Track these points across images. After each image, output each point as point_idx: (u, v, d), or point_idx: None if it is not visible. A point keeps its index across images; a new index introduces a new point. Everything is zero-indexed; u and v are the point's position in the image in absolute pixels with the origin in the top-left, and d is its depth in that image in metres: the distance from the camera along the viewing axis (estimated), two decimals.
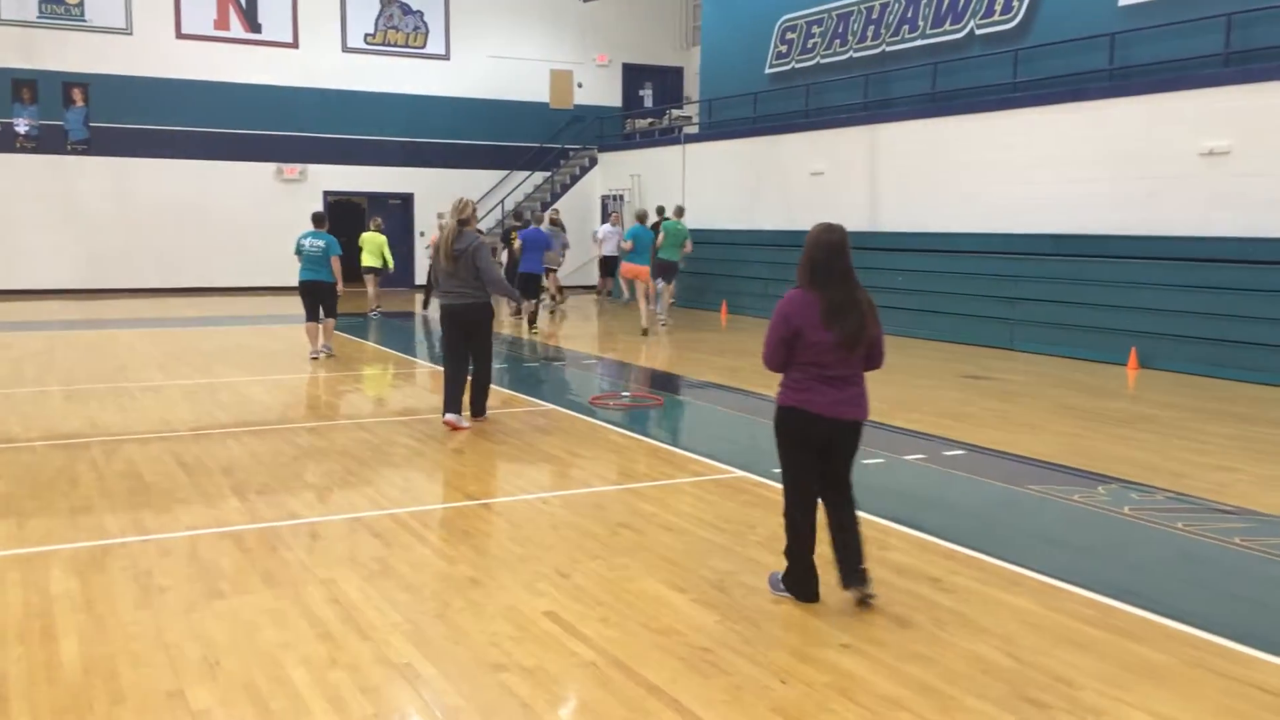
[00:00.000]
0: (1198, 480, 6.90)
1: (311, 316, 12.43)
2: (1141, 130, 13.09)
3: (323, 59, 23.95)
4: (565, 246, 20.28)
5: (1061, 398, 10.15)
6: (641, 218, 16.65)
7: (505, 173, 25.61)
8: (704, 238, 20.93)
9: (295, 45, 23.73)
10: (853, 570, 4.58)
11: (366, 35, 24.45)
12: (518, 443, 7.98)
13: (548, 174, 25.96)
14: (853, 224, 17.34)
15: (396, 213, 24.29)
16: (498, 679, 3.86)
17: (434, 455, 7.56)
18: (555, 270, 20.04)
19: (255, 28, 23.33)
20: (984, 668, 3.98)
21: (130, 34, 22.22)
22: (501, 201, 25.14)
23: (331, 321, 12.62)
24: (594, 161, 25.88)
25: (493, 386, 9.14)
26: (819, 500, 4.78)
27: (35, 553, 5.25)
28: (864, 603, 4.56)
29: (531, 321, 16.16)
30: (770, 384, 10.70)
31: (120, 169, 22.20)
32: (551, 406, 9.50)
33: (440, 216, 19.90)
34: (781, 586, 4.74)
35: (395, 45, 24.73)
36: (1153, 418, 9.13)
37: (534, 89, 25.82)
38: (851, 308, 4.54)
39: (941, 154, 15.96)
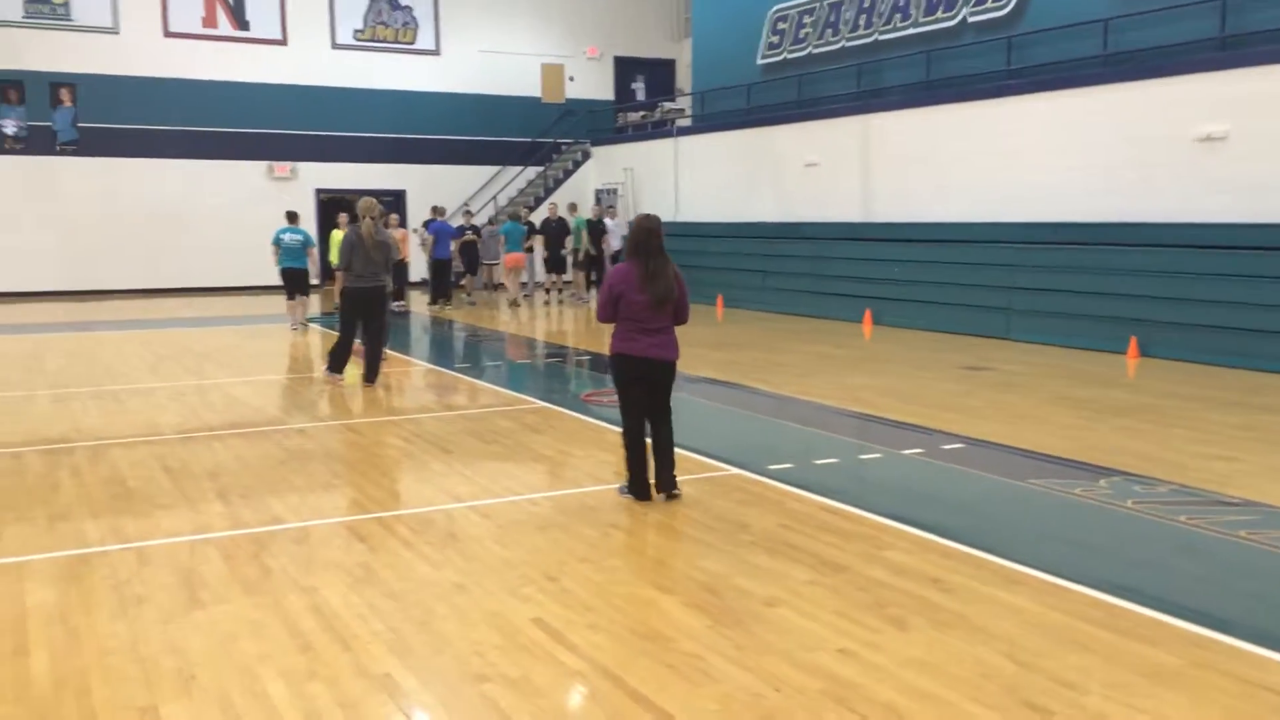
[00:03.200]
0: (1201, 471, 6.77)
1: (290, 296, 15.34)
2: (1137, 116, 12.94)
3: (312, 56, 23.79)
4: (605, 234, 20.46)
5: (1061, 388, 10.03)
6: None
7: (498, 168, 25.46)
8: (698, 230, 20.83)
9: (284, 42, 23.56)
10: (666, 477, 6.09)
11: (355, 31, 24.27)
12: (509, 442, 7.85)
13: (541, 169, 25.80)
14: (847, 214, 17.40)
15: (389, 210, 24.06)
16: (480, 690, 3.73)
17: (422, 456, 7.42)
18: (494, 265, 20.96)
19: (243, 25, 23.16)
20: (985, 671, 3.85)
21: (117, 33, 22.04)
22: (494, 197, 24.98)
23: (306, 299, 15.56)
24: (587, 155, 25.72)
25: (486, 385, 9.57)
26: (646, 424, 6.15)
27: (11, 563, 5.12)
28: (671, 498, 6.08)
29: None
30: (769, 379, 10.57)
31: (109, 169, 22.04)
32: (543, 404, 9.37)
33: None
34: (627, 492, 6.15)
35: (385, 41, 24.56)
36: (1154, 407, 9.00)
37: (525, 83, 25.67)
38: (661, 275, 5.88)
39: (936, 143, 15.82)
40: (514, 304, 19.65)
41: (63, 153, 21.83)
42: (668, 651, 4.05)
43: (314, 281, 15.66)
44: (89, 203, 21.91)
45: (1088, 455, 7.24)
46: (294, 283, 15.23)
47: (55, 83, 21.65)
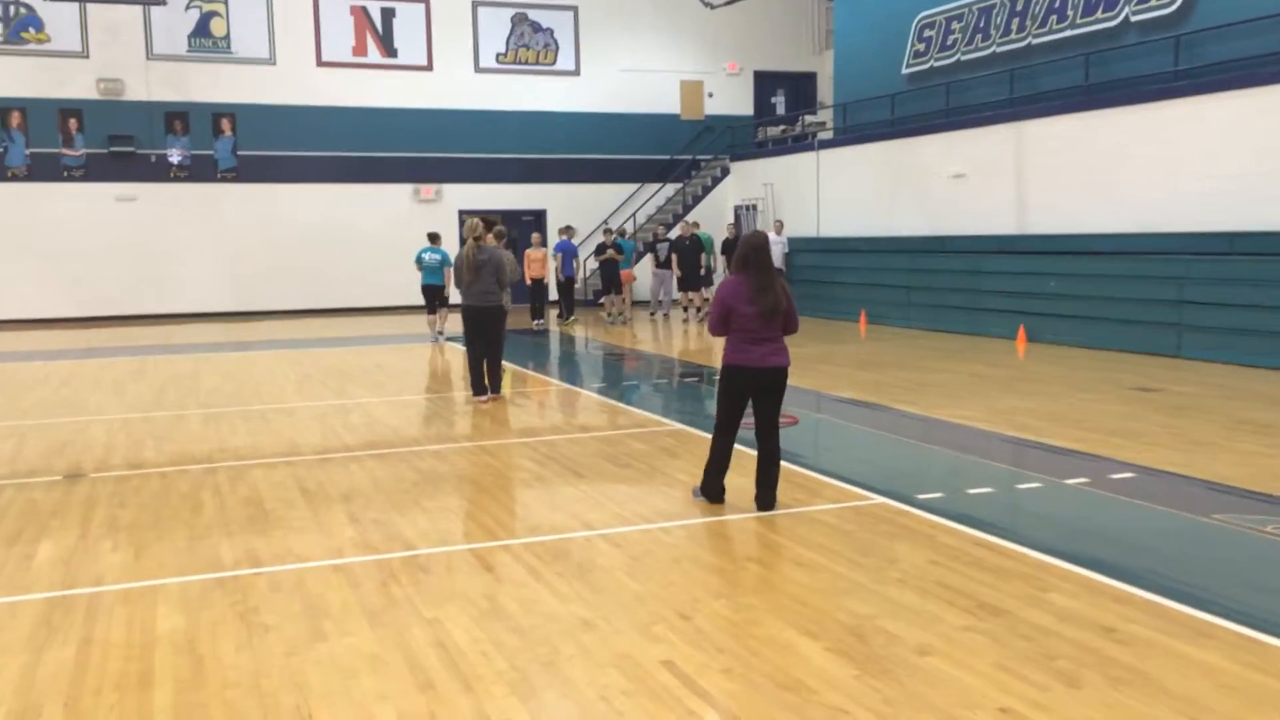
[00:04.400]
0: None
1: (431, 310, 16.88)
2: None
3: (456, 80, 24.25)
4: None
5: (1240, 411, 9.21)
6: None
7: (637, 185, 25.44)
8: (840, 245, 20.31)
9: (429, 68, 24.10)
10: (769, 496, 6.28)
11: (498, 55, 24.65)
12: (642, 466, 7.61)
13: (679, 185, 25.67)
14: (998, 227, 16.62)
15: (530, 229, 24.32)
16: None
17: (554, 480, 7.25)
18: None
19: (391, 52, 23.79)
20: None
21: (274, 64, 22.93)
22: (633, 215, 24.96)
23: (445, 312, 16.73)
24: (726, 171, 25.46)
25: (621, 405, 9.70)
26: (741, 441, 6.52)
27: (146, 586, 5.13)
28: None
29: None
30: (917, 400, 10.08)
31: (266, 195, 22.93)
32: (680, 426, 9.11)
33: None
34: (700, 494, 6.50)
35: (526, 64, 24.86)
36: None
37: (664, 101, 25.60)
38: (769, 288, 6.09)
39: (1096, 150, 14.95)
40: (615, 321, 19.91)
41: (223, 180, 22.81)
42: (809, 704, 3.71)
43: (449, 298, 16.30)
44: (248, 228, 22.82)
45: (1277, 487, 6.54)
46: (434, 297, 16.78)
47: (217, 113, 22.65)
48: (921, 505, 6.33)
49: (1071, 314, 14.52)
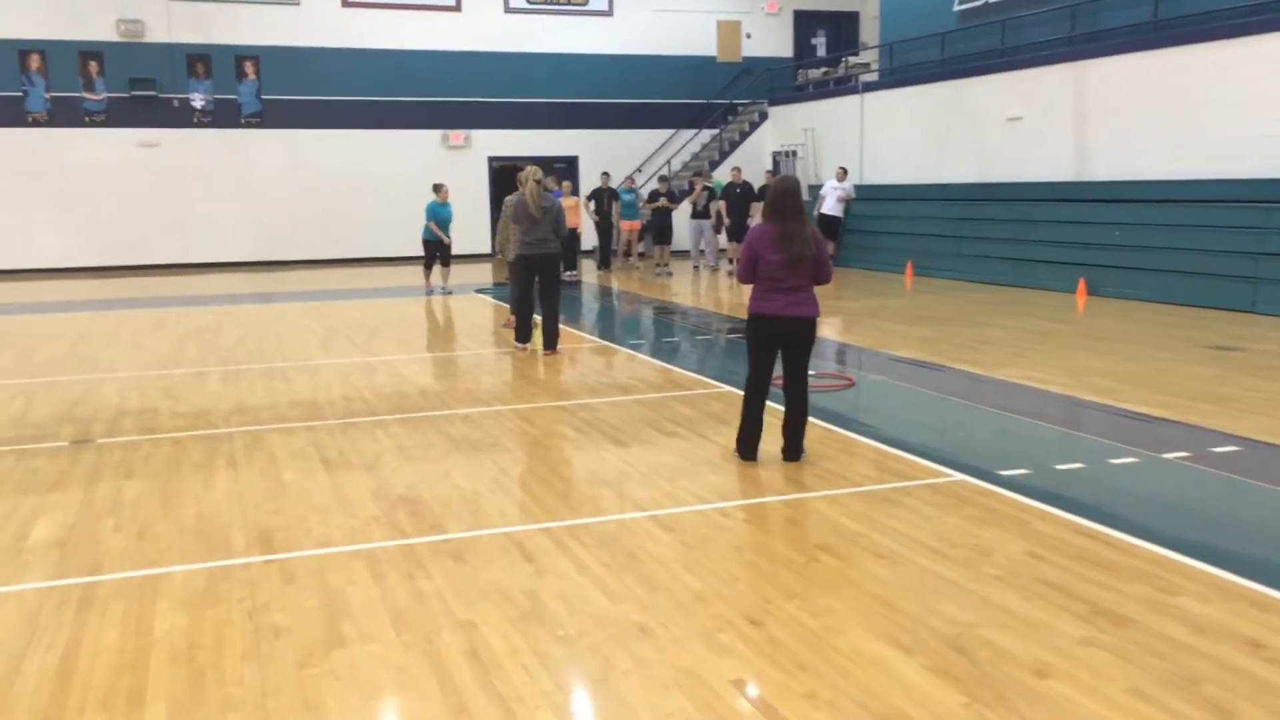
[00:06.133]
0: None
1: (439, 264, 16.21)
2: None
3: (485, 21, 23.39)
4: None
5: None
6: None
7: (671, 131, 24.57)
8: (884, 193, 19.48)
9: (458, 8, 23.25)
10: (795, 446, 6.18)
11: None
12: (691, 434, 7.00)
13: (715, 131, 24.78)
14: (1056, 173, 15.70)
15: (561, 176, 23.58)
16: None
17: (596, 449, 6.65)
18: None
19: None
20: None
21: (298, 4, 22.15)
22: (668, 161, 24.14)
23: (448, 269, 16.37)
24: (764, 116, 24.54)
25: (664, 364, 9.20)
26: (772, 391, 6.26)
27: (147, 576, 4.59)
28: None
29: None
30: (979, 360, 9.41)
31: (290, 141, 22.28)
32: (727, 388, 8.46)
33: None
34: (735, 454, 6.29)
35: (558, 4, 23.94)
36: None
37: (700, 42, 24.66)
38: (797, 235, 5.88)
39: (1164, 90, 14.02)
40: (661, 273, 19.24)
41: (247, 125, 22.17)
42: None
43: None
44: (272, 175, 22.22)
45: None
46: (438, 251, 16.18)
47: (240, 55, 21.95)
48: (1006, 483, 5.68)
49: (1136, 265, 13.71)
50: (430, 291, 16.15)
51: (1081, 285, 14.19)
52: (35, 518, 5.42)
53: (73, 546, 4.98)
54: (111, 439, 7.12)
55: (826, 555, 4.70)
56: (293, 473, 6.21)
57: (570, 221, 18.46)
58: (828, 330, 11.96)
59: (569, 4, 24.03)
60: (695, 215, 19.72)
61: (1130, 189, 14.30)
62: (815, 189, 20.33)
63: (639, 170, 23.74)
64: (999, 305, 13.57)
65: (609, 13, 24.25)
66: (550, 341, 10.27)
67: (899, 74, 20.51)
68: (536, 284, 10.28)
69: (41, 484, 6.06)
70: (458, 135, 23.33)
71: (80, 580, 4.55)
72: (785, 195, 5.97)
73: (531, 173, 10.07)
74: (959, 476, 5.85)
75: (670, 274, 18.95)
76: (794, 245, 5.87)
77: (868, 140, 20.44)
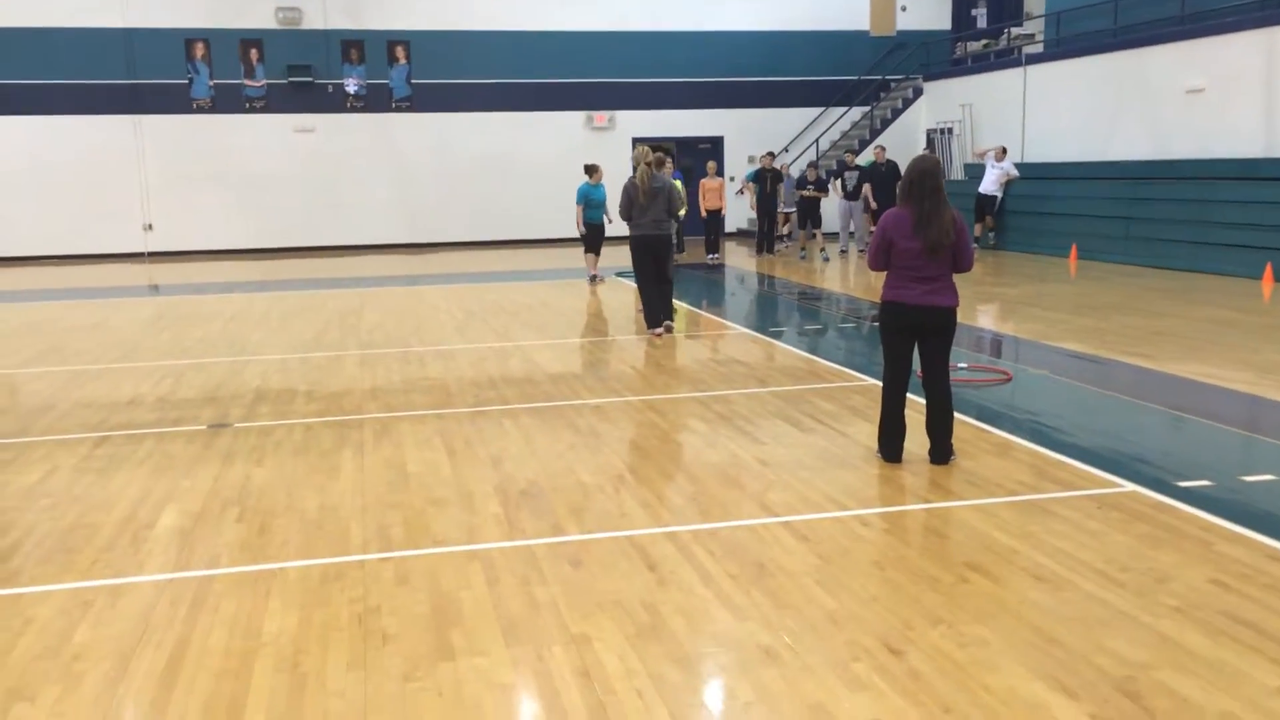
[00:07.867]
0: None
1: (595, 250, 15.26)
2: None
3: (630, 1, 23.15)
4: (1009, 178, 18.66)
5: None
6: None
7: (821, 109, 23.87)
8: (1049, 172, 18.41)
9: None
10: (942, 447, 5.71)
11: None
12: (829, 431, 6.59)
13: (867, 109, 23.94)
14: (1241, 149, 14.46)
15: (706, 157, 23.20)
16: None
17: (728, 446, 6.31)
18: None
19: None
20: None
21: None
22: (816, 140, 23.46)
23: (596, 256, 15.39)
24: (919, 92, 23.58)
25: (805, 354, 9.31)
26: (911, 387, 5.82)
27: (261, 571, 4.50)
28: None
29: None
30: (1152, 353, 8.67)
31: (438, 124, 22.61)
32: (872, 381, 7.98)
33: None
34: (879, 454, 5.85)
35: None
36: None
37: (852, 16, 23.82)
38: (935, 220, 5.43)
39: None
40: (805, 257, 18.57)
41: (397, 109, 22.57)
42: None
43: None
44: (422, 157, 22.59)
45: None
46: (599, 236, 15.27)
47: (391, 40, 22.34)
48: (1185, 497, 5.09)
49: None
50: (594, 278, 15.17)
51: (1268, 271, 13.03)
52: (164, 505, 5.43)
53: (195, 538, 4.94)
54: (247, 423, 7.17)
55: (977, 575, 4.25)
56: (417, 464, 6.09)
57: (712, 203, 18.12)
58: (983, 319, 11.28)
59: None
60: (846, 197, 19.04)
61: None
62: (971, 170, 19.36)
63: (785, 150, 23.14)
64: (1174, 292, 12.58)
65: None
66: (667, 311, 10.33)
67: (1066, 44, 19.32)
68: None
69: (176, 469, 6.11)
70: (601, 116, 23.21)
71: (197, 573, 4.49)
72: (923, 176, 5.50)
73: (642, 154, 10.14)
74: (1130, 487, 5.28)
75: (827, 259, 18.29)
76: (932, 231, 5.44)
77: (1030, 116, 19.36)
